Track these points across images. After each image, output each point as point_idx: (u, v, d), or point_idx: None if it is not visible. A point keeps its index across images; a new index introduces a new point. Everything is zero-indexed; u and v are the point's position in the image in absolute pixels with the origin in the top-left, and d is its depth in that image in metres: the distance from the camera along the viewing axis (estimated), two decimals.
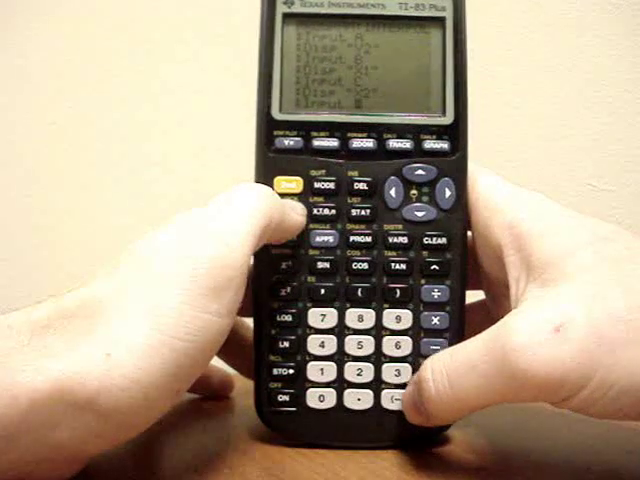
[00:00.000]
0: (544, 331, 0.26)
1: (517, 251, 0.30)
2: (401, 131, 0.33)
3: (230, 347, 0.32)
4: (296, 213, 0.32)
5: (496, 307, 0.34)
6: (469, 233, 0.34)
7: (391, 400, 0.33)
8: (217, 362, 0.38)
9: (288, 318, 0.33)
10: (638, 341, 0.26)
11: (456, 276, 0.33)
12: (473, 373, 0.28)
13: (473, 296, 0.36)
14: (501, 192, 0.33)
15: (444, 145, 0.33)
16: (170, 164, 0.59)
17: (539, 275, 0.29)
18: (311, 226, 0.33)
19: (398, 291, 0.33)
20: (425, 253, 0.33)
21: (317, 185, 0.33)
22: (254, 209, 0.29)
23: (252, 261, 0.32)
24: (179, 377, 0.26)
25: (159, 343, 0.25)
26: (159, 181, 0.59)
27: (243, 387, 0.39)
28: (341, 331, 0.33)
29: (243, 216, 0.29)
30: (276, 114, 0.33)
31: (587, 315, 0.26)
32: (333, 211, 0.33)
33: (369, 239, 0.33)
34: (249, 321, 0.35)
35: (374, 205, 0.33)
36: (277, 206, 0.31)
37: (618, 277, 0.27)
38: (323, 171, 0.33)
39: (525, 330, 0.27)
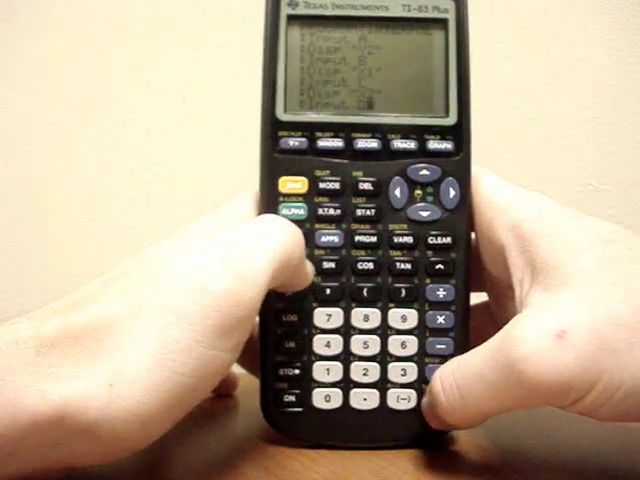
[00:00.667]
0: (547, 338, 0.26)
1: (520, 253, 0.31)
2: (405, 131, 0.33)
3: None
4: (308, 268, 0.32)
5: (499, 308, 0.34)
6: (472, 234, 0.34)
7: (397, 400, 0.33)
8: None
9: (294, 318, 0.33)
10: None
11: (461, 275, 0.33)
12: (482, 383, 0.28)
13: (476, 298, 0.36)
14: (503, 193, 0.33)
15: (448, 145, 0.33)
16: (172, 164, 0.59)
17: (542, 279, 0.29)
18: (316, 226, 0.33)
19: (403, 291, 0.33)
20: (430, 253, 0.33)
21: (322, 185, 0.33)
22: (276, 247, 0.29)
23: None
24: (178, 410, 0.27)
25: (163, 379, 0.25)
26: (161, 181, 0.59)
27: (247, 386, 0.39)
28: (347, 331, 0.33)
29: (264, 253, 0.29)
30: (281, 115, 0.33)
31: (590, 320, 0.26)
32: (338, 211, 0.33)
33: (374, 239, 0.33)
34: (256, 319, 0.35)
35: (379, 205, 0.33)
36: (300, 243, 0.31)
37: (620, 279, 0.27)
38: (328, 171, 0.33)
39: (529, 338, 0.27)
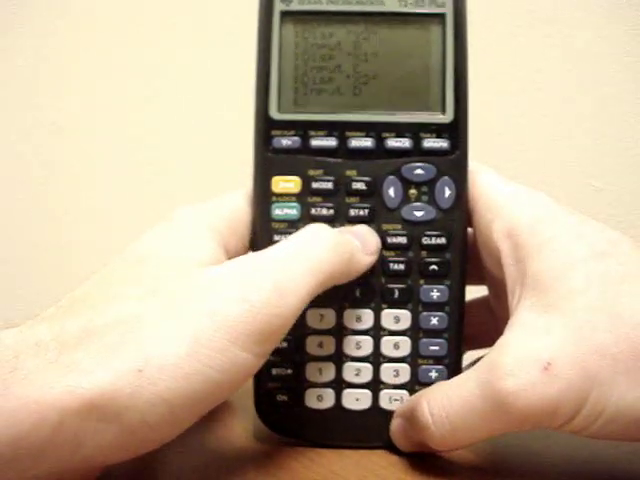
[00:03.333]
0: (533, 371, 0.27)
1: (515, 262, 0.30)
2: (400, 130, 0.33)
3: None
4: (369, 252, 0.32)
5: (498, 304, 0.34)
6: (470, 230, 0.34)
7: (389, 400, 0.32)
8: None
9: None
10: (624, 372, 0.27)
11: (455, 276, 0.33)
12: (472, 415, 0.29)
13: (476, 292, 0.36)
14: (502, 193, 0.32)
15: (444, 144, 0.33)
16: (169, 164, 0.59)
17: (531, 296, 0.29)
18: None
19: (397, 291, 0.32)
20: (424, 253, 0.33)
21: (315, 185, 0.33)
22: (318, 260, 0.29)
23: None
24: (205, 403, 0.27)
25: (193, 370, 0.25)
26: (158, 180, 0.59)
27: (246, 386, 0.39)
28: (340, 331, 0.32)
29: (305, 266, 0.29)
30: (274, 114, 0.33)
31: (574, 351, 0.27)
32: (331, 211, 0.33)
33: None
34: None
35: (373, 205, 0.33)
36: (343, 255, 0.30)
37: (607, 302, 0.28)
38: (321, 171, 0.33)
39: (515, 372, 0.27)
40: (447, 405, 0.29)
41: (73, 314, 0.27)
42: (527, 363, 0.27)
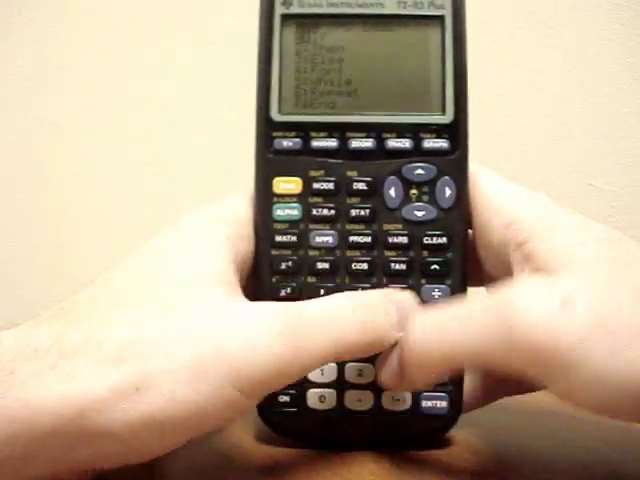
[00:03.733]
0: (553, 299, 0.26)
1: (518, 247, 0.30)
2: (400, 130, 0.33)
3: None
4: (399, 329, 0.29)
5: None
6: (470, 231, 0.34)
7: (392, 401, 0.32)
8: None
9: None
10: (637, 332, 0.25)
11: (457, 276, 0.33)
12: (466, 325, 0.27)
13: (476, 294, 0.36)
14: (502, 192, 0.33)
15: (444, 144, 0.33)
16: (169, 164, 0.59)
17: (543, 266, 0.28)
18: (311, 227, 0.33)
19: None
20: (425, 253, 0.33)
21: (316, 185, 0.33)
22: (344, 339, 0.28)
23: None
24: (197, 430, 0.27)
25: (188, 399, 0.25)
26: (158, 181, 0.59)
27: None
28: None
29: (329, 339, 0.27)
30: (275, 115, 0.33)
31: (594, 298, 0.26)
32: (332, 211, 0.33)
33: (369, 239, 0.33)
34: None
35: (373, 205, 0.33)
36: (371, 339, 0.28)
37: (621, 274, 0.27)
38: (322, 171, 0.33)
39: (534, 293, 0.26)
40: (439, 316, 0.28)
41: (77, 320, 0.27)
42: (548, 291, 0.26)
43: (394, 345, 0.29)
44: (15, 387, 0.24)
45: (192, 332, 0.26)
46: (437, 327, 0.28)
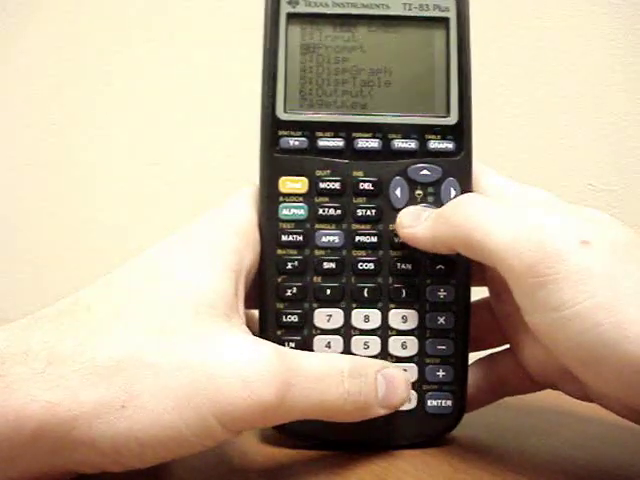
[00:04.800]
0: (572, 239, 0.27)
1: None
2: (406, 131, 0.33)
3: None
4: (383, 405, 0.30)
5: (499, 304, 0.34)
6: None
7: None
8: None
9: (294, 319, 0.32)
10: None
11: (461, 276, 0.33)
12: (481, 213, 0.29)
13: (479, 293, 0.36)
14: (506, 192, 0.33)
15: (449, 145, 0.33)
16: (172, 164, 0.59)
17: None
18: (317, 226, 0.33)
19: (404, 291, 0.33)
20: (430, 253, 0.33)
21: (322, 185, 0.33)
22: (328, 404, 0.29)
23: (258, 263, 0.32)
24: (176, 453, 0.27)
25: (171, 425, 0.25)
26: (160, 181, 0.59)
27: None
28: (347, 331, 0.33)
29: (313, 401, 0.28)
30: (281, 114, 0.33)
31: (610, 242, 0.27)
32: (338, 211, 0.33)
33: (374, 239, 0.33)
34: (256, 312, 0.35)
35: (379, 205, 0.33)
36: (355, 408, 0.29)
37: (631, 258, 0.27)
38: (328, 171, 0.33)
39: (555, 233, 0.27)
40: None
41: (72, 327, 0.26)
42: (566, 231, 0.27)
43: None
44: (1, 390, 0.24)
45: (189, 361, 0.26)
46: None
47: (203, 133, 0.59)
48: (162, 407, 0.25)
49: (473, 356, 0.34)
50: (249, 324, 0.36)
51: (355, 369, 0.29)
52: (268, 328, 0.33)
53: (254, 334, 0.31)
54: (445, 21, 0.33)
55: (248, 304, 0.32)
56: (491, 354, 0.35)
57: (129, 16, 0.59)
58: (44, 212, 0.60)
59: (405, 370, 0.32)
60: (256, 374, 0.27)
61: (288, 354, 0.28)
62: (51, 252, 0.59)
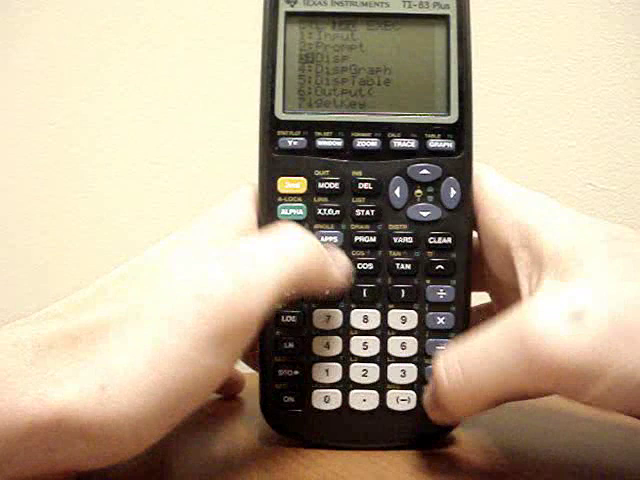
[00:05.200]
0: (563, 317, 0.25)
1: (526, 248, 0.30)
2: (405, 130, 0.33)
3: None
4: (338, 267, 0.31)
5: (502, 309, 0.34)
6: (475, 233, 0.34)
7: (397, 401, 0.32)
8: None
9: (293, 319, 0.32)
10: None
11: (461, 276, 0.33)
12: (488, 361, 0.27)
13: (480, 298, 0.36)
14: (508, 192, 0.32)
15: (449, 144, 0.33)
16: (172, 164, 0.59)
17: (553, 267, 0.28)
18: (316, 226, 0.33)
19: (403, 291, 0.32)
20: (430, 253, 0.33)
21: (321, 185, 0.33)
22: (288, 254, 0.28)
23: None
24: (171, 416, 0.26)
25: (155, 383, 0.25)
26: (160, 181, 0.59)
27: (253, 387, 0.39)
28: (346, 332, 0.32)
29: (273, 259, 0.27)
30: (279, 114, 0.33)
31: (606, 303, 0.26)
32: (337, 211, 0.33)
33: (374, 239, 0.33)
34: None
35: (378, 205, 0.33)
36: (319, 263, 0.29)
37: (635, 269, 0.27)
38: (327, 171, 0.33)
39: (544, 315, 0.26)
40: (462, 352, 0.28)
41: (55, 316, 0.27)
42: (556, 309, 0.26)
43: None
44: None
45: (143, 313, 0.26)
46: (461, 368, 0.27)
47: (203, 133, 0.59)
48: (137, 372, 0.24)
49: None
50: None
51: (299, 229, 0.30)
52: (267, 328, 0.32)
53: None
54: (445, 18, 0.33)
55: None
56: None
57: (129, 16, 0.59)
58: (44, 212, 0.60)
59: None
60: (204, 279, 0.26)
61: (227, 246, 0.28)
62: (51, 252, 0.59)
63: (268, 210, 0.33)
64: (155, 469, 0.31)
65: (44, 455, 0.24)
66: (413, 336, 0.32)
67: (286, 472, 0.30)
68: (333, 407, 0.32)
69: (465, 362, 0.27)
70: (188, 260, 0.28)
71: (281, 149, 0.33)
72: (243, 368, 0.40)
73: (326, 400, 0.32)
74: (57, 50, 0.59)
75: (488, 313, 0.35)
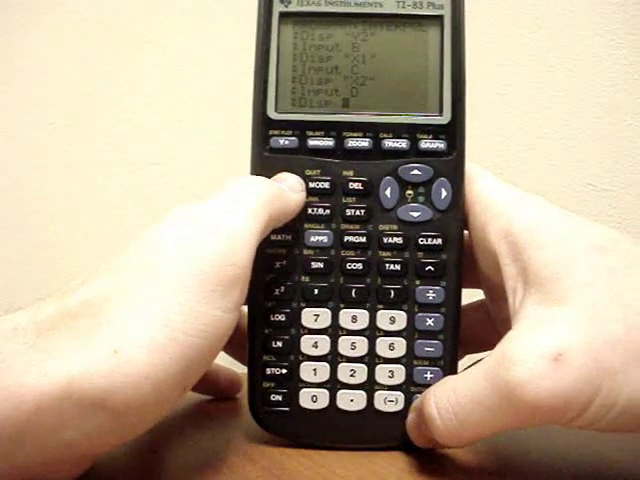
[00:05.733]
0: (544, 362, 0.26)
1: (513, 261, 0.30)
2: (397, 130, 0.33)
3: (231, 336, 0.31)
4: (295, 191, 0.32)
5: (495, 307, 0.34)
6: (465, 233, 0.34)
7: (384, 402, 0.32)
8: (223, 361, 0.38)
9: (282, 318, 0.32)
10: (636, 362, 0.26)
11: (452, 277, 0.33)
12: (479, 409, 0.28)
13: (474, 295, 0.36)
14: (499, 196, 0.32)
15: (440, 145, 0.33)
16: (168, 164, 0.59)
17: (535, 291, 0.29)
18: (306, 226, 0.33)
19: (392, 292, 0.32)
20: (420, 254, 0.33)
21: (312, 185, 0.33)
22: (256, 204, 0.30)
23: None
24: (188, 372, 0.26)
25: (168, 339, 0.25)
26: (158, 181, 0.59)
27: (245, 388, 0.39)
28: (335, 332, 0.32)
29: (246, 212, 0.29)
30: (272, 113, 0.33)
31: (586, 341, 0.27)
32: (328, 211, 0.33)
33: (364, 239, 0.33)
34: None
35: (369, 205, 0.33)
36: (278, 196, 0.31)
37: (616, 294, 0.27)
38: (318, 171, 0.33)
39: (525, 363, 0.27)
40: (453, 399, 0.29)
41: (52, 298, 0.27)
42: (537, 353, 0.27)
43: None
44: None
45: (144, 278, 0.27)
46: (454, 414, 0.29)
47: (203, 133, 0.59)
48: (149, 331, 0.25)
49: (471, 358, 0.34)
50: (240, 321, 0.36)
51: (253, 178, 0.32)
52: (256, 326, 0.33)
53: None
54: (439, 19, 0.33)
55: None
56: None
57: (128, 16, 0.59)
58: (44, 212, 0.60)
59: None
60: (196, 239, 0.28)
61: (203, 208, 0.30)
62: (51, 252, 0.60)
63: None
64: (153, 469, 0.31)
65: (55, 435, 0.24)
66: (402, 337, 0.32)
67: (286, 472, 0.30)
68: (320, 406, 0.32)
69: (457, 409, 0.28)
70: (173, 226, 0.29)
71: (273, 148, 0.33)
72: (241, 369, 0.40)
73: (313, 399, 0.32)
74: (57, 50, 0.59)
75: (482, 310, 0.35)
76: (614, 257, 0.28)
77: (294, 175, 0.33)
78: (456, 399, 0.29)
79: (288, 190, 0.32)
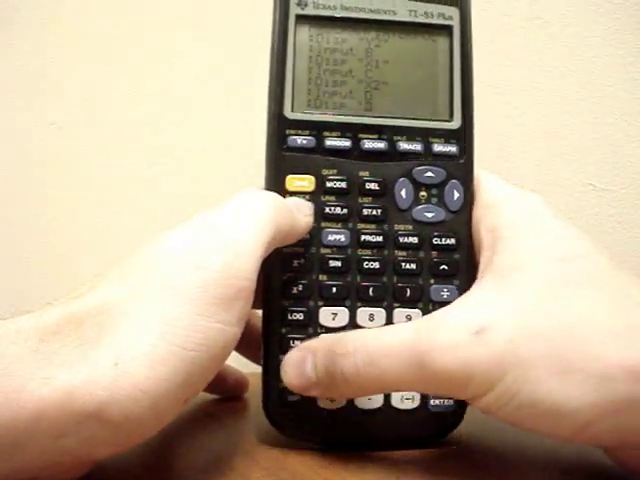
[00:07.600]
0: (464, 332, 0.27)
1: (490, 253, 0.31)
2: (411, 134, 0.34)
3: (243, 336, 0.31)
4: (304, 214, 0.32)
5: None
6: None
7: (401, 399, 0.33)
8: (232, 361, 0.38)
9: (299, 317, 0.33)
10: (546, 363, 0.26)
11: (464, 276, 0.33)
12: (394, 359, 0.28)
13: None
14: (496, 195, 0.33)
15: (452, 149, 0.34)
16: (174, 163, 0.59)
17: (490, 278, 0.30)
18: (323, 225, 0.33)
19: (408, 290, 0.33)
20: (434, 253, 0.33)
21: (329, 184, 0.33)
22: (263, 218, 0.30)
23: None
24: (188, 386, 0.26)
25: (168, 353, 0.25)
26: (162, 181, 0.59)
27: (256, 388, 0.39)
28: (352, 330, 0.33)
29: (252, 225, 0.29)
30: (288, 113, 0.33)
31: (510, 326, 0.27)
32: (344, 210, 0.33)
33: (380, 239, 0.33)
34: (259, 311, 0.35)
35: (385, 205, 0.33)
36: (285, 213, 0.31)
37: (553, 298, 0.28)
38: (335, 170, 0.33)
39: (448, 328, 0.28)
40: (373, 343, 0.29)
41: (59, 302, 0.27)
42: (461, 322, 0.28)
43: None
44: (0, 372, 0.24)
45: (146, 288, 0.27)
46: (368, 362, 0.29)
47: (203, 133, 0.59)
48: (149, 345, 0.25)
49: None
50: (253, 321, 0.36)
51: (262, 192, 0.32)
52: (273, 325, 0.33)
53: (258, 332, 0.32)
54: (449, 29, 0.34)
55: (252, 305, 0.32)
56: None
57: (130, 15, 0.59)
58: (43, 212, 0.60)
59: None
60: (200, 250, 0.28)
61: (210, 219, 0.30)
62: (50, 253, 0.59)
63: None
64: (155, 469, 0.31)
65: (54, 442, 0.24)
66: None
67: (288, 472, 0.30)
68: (338, 405, 0.32)
69: (375, 353, 0.29)
70: (179, 236, 0.29)
71: (290, 147, 0.33)
72: (245, 369, 0.40)
73: (331, 399, 0.32)
74: (57, 50, 0.59)
75: None
76: (571, 268, 0.29)
77: (305, 201, 0.33)
78: (376, 344, 0.29)
79: (296, 210, 0.32)
